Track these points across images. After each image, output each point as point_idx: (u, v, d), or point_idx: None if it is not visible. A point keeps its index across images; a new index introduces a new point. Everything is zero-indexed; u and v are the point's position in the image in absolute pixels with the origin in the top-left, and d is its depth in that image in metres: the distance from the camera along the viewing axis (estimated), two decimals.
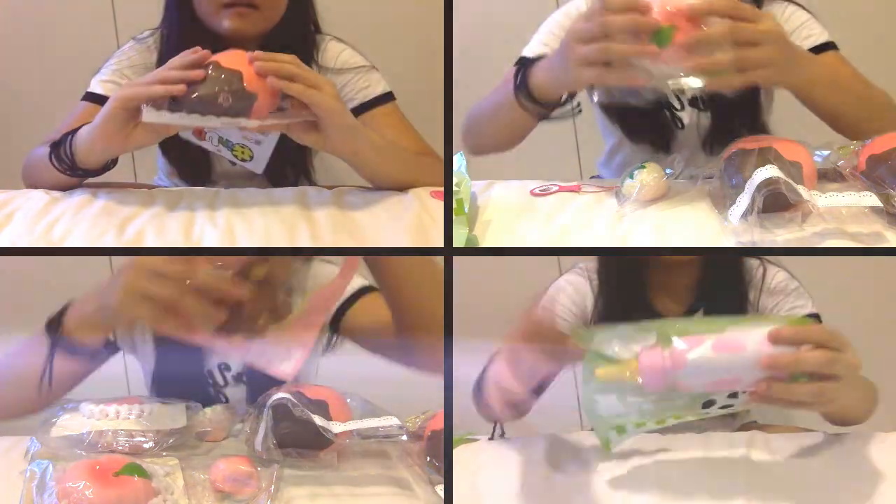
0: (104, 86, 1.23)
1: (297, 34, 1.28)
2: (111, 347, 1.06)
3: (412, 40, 1.66)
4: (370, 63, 1.31)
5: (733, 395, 0.89)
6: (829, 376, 0.86)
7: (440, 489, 0.99)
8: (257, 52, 1.02)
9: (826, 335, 0.87)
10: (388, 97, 1.29)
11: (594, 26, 0.97)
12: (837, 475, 0.98)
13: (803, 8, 1.25)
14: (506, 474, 1.01)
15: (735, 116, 1.27)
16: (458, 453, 1.05)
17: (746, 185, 0.99)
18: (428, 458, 1.03)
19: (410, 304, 1.10)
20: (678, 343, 0.87)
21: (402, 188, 1.17)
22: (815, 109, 1.10)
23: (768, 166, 0.98)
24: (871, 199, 0.98)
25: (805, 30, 1.22)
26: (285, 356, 0.99)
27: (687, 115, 1.30)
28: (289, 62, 1.03)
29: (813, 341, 0.87)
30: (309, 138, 1.07)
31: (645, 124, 1.31)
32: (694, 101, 1.27)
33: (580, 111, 1.16)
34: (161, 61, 1.25)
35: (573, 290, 1.25)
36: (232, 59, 1.03)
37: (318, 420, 1.01)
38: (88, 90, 1.24)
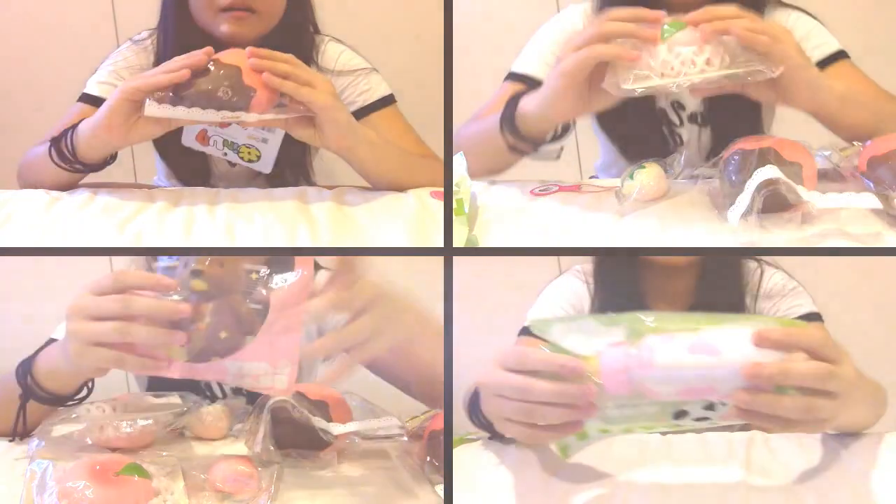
0: (101, 87, 1.23)
1: (296, 36, 1.27)
2: (88, 386, 1.04)
3: (412, 40, 1.66)
4: (370, 65, 1.31)
5: (710, 408, 0.80)
6: (822, 392, 0.77)
7: (440, 489, 0.99)
8: (254, 49, 1.03)
9: (820, 342, 0.78)
10: (388, 100, 1.29)
11: (594, 24, 0.99)
12: (838, 476, 0.98)
13: (808, 14, 1.24)
14: (505, 475, 1.01)
15: (736, 131, 1.24)
16: (458, 453, 1.05)
17: (746, 185, 0.99)
18: (428, 458, 1.03)
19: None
20: (648, 341, 0.78)
21: (400, 188, 1.17)
22: (832, 126, 1.08)
23: (768, 166, 0.98)
24: (871, 200, 0.98)
25: (813, 39, 1.20)
26: (272, 370, 0.91)
27: (686, 132, 1.29)
28: (284, 60, 1.04)
29: (804, 348, 0.77)
30: (305, 133, 1.07)
31: (643, 141, 1.29)
32: (693, 117, 1.27)
33: (559, 156, 1.15)
34: (158, 63, 1.24)
35: (570, 292, 1.24)
36: (232, 55, 1.04)
37: (318, 422, 1.00)
38: (84, 91, 1.24)
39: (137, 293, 0.87)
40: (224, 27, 1.19)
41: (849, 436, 1.04)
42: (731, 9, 0.98)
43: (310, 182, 1.35)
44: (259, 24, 1.21)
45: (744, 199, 0.98)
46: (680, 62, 0.97)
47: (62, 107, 1.26)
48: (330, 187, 1.20)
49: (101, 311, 0.87)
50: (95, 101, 1.22)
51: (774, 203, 0.99)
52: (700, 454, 1.03)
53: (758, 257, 1.22)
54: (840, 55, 1.20)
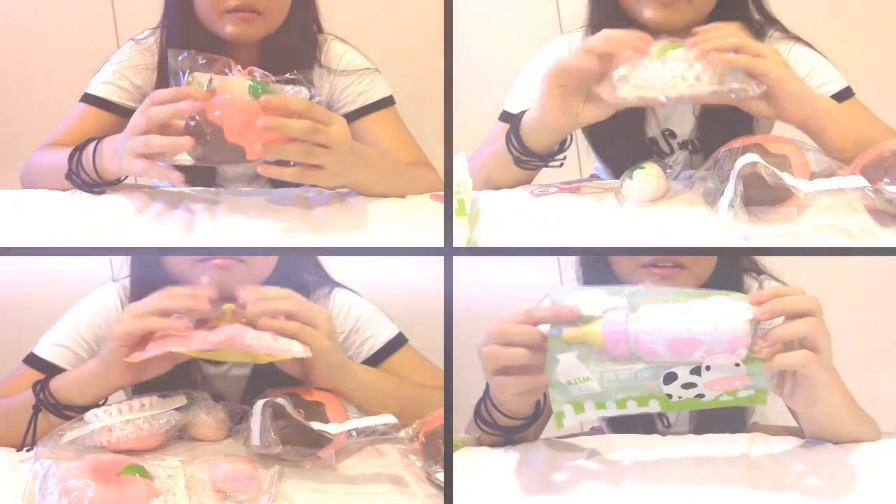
0: (104, 87, 1.23)
1: (300, 36, 1.27)
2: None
3: (412, 40, 1.66)
4: (373, 65, 1.31)
5: (695, 372, 0.89)
6: (811, 346, 0.88)
7: (440, 489, 0.99)
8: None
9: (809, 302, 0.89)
10: (387, 102, 1.29)
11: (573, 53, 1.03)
12: (837, 480, 0.98)
13: (812, 48, 1.22)
14: (505, 476, 1.01)
15: None
16: (458, 455, 1.05)
17: (730, 175, 1.00)
18: (426, 458, 1.03)
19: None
20: (643, 307, 0.89)
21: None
22: (821, 142, 1.08)
23: (748, 154, 1.00)
24: (859, 181, 0.98)
25: (817, 77, 1.20)
26: (286, 342, 1.03)
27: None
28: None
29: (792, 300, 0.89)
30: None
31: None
32: (684, 145, 1.26)
33: (563, 164, 1.16)
34: (161, 63, 1.24)
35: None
36: None
37: (316, 425, 1.01)
38: (87, 91, 1.23)
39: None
40: (229, 28, 1.18)
41: (844, 442, 1.04)
42: (725, 29, 1.03)
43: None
44: (264, 25, 1.21)
45: (729, 189, 1.00)
46: (671, 76, 1.02)
47: (62, 107, 1.25)
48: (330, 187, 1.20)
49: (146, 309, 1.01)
50: (98, 102, 1.22)
51: (763, 194, 1.01)
52: (700, 456, 1.03)
53: (758, 275, 1.22)
54: (845, 93, 1.19)
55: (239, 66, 1.05)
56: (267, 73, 1.04)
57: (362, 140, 1.20)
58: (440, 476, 1.00)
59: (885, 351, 1.70)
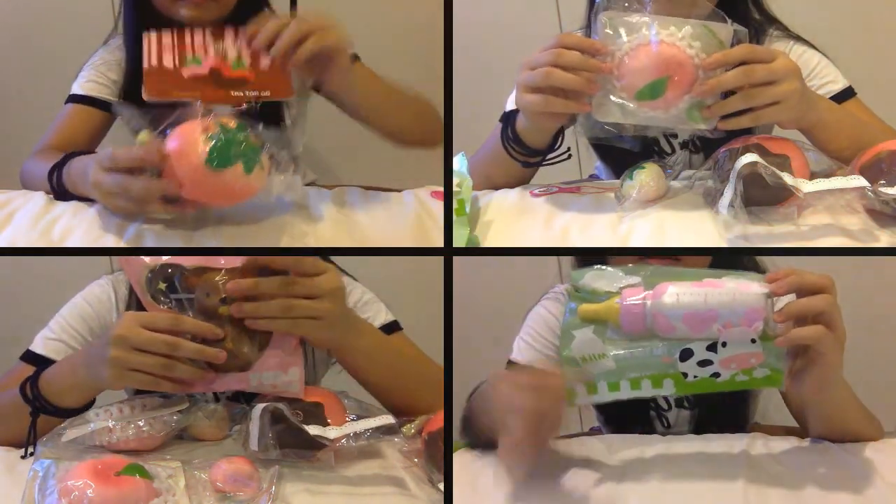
0: (85, 86, 1.27)
1: (252, 17, 1.27)
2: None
3: (412, 40, 1.66)
4: None
5: (711, 348, 0.88)
6: (826, 322, 0.87)
7: (440, 489, 0.99)
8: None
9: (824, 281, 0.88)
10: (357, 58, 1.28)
11: (544, 55, 1.01)
12: (837, 480, 0.98)
13: (813, 47, 1.22)
14: (505, 476, 1.01)
15: None
16: (458, 456, 1.05)
17: (730, 175, 1.00)
18: (427, 459, 1.03)
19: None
20: (660, 285, 0.90)
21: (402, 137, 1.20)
22: (819, 146, 1.09)
23: (748, 154, 1.00)
24: (859, 181, 0.99)
25: (818, 77, 1.19)
26: (285, 376, 1.03)
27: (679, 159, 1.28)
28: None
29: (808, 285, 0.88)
30: None
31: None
32: (685, 144, 1.26)
33: (570, 156, 1.16)
34: (129, 58, 1.27)
35: (554, 319, 1.19)
36: None
37: (313, 429, 1.00)
38: (71, 93, 1.27)
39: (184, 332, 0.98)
40: (183, 12, 1.19)
41: (848, 440, 1.04)
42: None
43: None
44: (216, 9, 1.21)
45: (729, 189, 1.00)
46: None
47: (61, 107, 1.26)
48: (330, 187, 1.20)
49: (149, 346, 0.97)
50: (82, 100, 1.26)
51: (764, 194, 1.01)
52: (700, 456, 1.03)
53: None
54: (847, 93, 1.18)
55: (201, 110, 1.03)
56: (234, 107, 1.06)
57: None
58: (440, 477, 0.99)
59: (885, 351, 1.71)
